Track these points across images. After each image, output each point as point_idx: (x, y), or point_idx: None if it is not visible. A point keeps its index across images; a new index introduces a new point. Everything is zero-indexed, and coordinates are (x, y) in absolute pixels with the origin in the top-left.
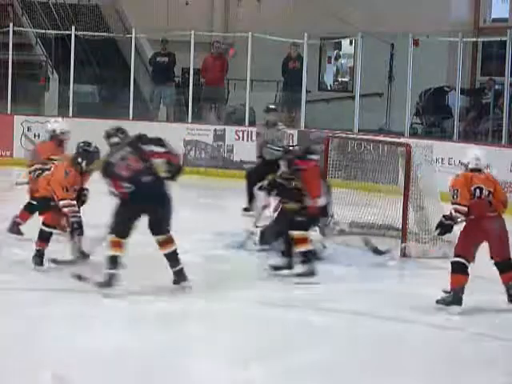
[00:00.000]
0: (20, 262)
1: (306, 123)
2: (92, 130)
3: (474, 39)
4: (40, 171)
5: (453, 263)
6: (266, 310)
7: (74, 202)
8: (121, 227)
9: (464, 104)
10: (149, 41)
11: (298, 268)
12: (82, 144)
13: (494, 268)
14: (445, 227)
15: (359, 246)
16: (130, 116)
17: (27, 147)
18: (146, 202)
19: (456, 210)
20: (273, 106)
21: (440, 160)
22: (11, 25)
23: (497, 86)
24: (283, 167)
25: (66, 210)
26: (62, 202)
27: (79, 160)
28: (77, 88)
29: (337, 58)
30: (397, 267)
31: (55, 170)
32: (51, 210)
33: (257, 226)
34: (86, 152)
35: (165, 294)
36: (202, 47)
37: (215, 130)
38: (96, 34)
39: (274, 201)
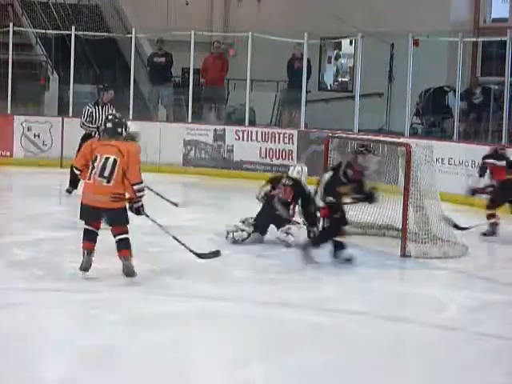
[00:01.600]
0: (20, 261)
1: (306, 123)
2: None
3: (474, 39)
4: None
5: None
6: (266, 309)
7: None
8: None
9: (462, 105)
10: (149, 41)
11: None
12: (110, 118)
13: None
14: None
15: (359, 246)
16: (130, 116)
17: (27, 147)
18: None
19: None
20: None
21: (440, 160)
22: (11, 25)
23: (497, 86)
24: None
25: (139, 194)
26: (137, 187)
27: (119, 130)
28: (77, 88)
29: (337, 57)
30: (397, 267)
31: (127, 155)
32: None
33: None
34: (117, 121)
35: (165, 294)
36: (202, 47)
37: (215, 130)
38: (96, 33)
39: None
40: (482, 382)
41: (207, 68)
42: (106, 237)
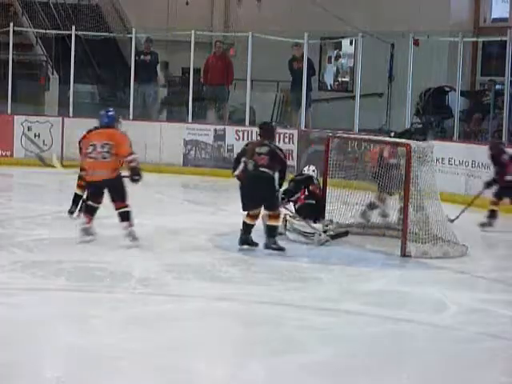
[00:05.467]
0: (20, 261)
1: (306, 123)
2: None
3: (474, 39)
4: None
5: None
6: (266, 309)
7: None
8: None
9: (464, 105)
10: None
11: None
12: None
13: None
14: None
15: (359, 246)
16: (130, 116)
17: (28, 147)
18: None
19: None
20: None
21: (440, 160)
22: (11, 25)
23: (498, 86)
24: None
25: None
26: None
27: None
28: (77, 88)
29: (337, 57)
30: (397, 267)
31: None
32: None
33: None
34: None
35: (165, 294)
36: (202, 47)
37: (215, 130)
38: (96, 33)
39: None
40: (481, 381)
41: (209, 67)
42: (104, 236)
